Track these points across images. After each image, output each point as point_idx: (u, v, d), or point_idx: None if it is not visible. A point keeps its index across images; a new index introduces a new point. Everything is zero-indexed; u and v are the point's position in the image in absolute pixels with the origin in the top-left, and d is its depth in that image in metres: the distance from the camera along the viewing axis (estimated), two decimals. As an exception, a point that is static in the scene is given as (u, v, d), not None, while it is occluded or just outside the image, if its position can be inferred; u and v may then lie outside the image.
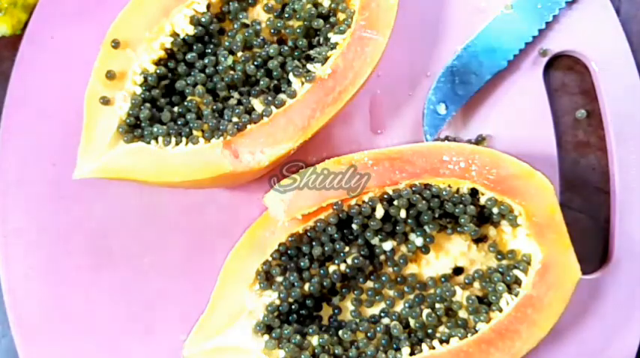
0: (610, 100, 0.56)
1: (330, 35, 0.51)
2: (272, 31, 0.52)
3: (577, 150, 0.57)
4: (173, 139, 0.49)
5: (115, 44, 0.49)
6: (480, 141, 0.55)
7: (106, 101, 0.49)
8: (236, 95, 0.51)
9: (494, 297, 0.49)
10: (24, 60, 0.54)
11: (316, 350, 0.48)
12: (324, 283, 0.50)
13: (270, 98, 0.49)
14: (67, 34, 0.54)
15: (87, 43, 0.52)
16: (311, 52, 0.51)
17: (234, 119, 0.49)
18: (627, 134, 0.55)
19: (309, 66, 0.50)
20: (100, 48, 0.50)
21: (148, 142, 0.49)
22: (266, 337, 0.49)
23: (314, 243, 0.49)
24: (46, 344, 0.51)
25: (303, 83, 0.49)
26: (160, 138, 0.49)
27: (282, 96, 0.49)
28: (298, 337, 0.48)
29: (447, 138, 0.55)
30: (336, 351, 0.49)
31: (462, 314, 0.50)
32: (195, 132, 0.49)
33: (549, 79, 0.57)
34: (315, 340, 0.49)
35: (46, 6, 0.55)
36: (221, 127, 0.49)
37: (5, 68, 0.55)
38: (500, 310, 0.49)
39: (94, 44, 0.50)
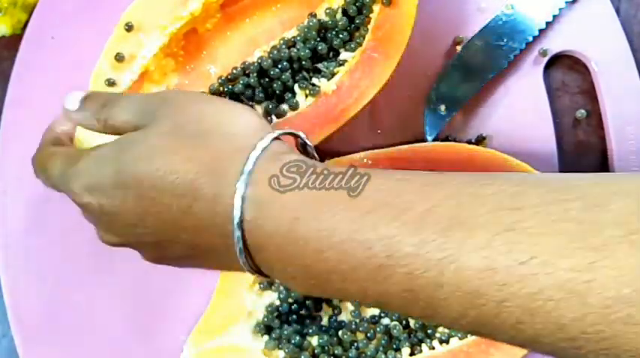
0: (610, 100, 0.56)
1: (341, 51, 0.50)
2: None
3: (577, 150, 0.57)
4: None
5: (129, 27, 0.49)
6: (480, 141, 0.55)
7: (111, 83, 0.48)
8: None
9: (494, 297, 0.49)
10: (24, 60, 0.54)
11: (316, 351, 0.49)
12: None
13: (271, 106, 0.49)
14: (67, 34, 0.54)
15: (87, 43, 0.52)
16: (319, 66, 0.49)
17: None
18: (627, 134, 0.55)
19: (314, 80, 0.49)
20: (99, 48, 0.49)
21: None
22: (266, 337, 0.49)
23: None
24: (46, 344, 0.51)
25: (307, 96, 0.49)
26: None
27: (283, 106, 0.49)
28: (298, 337, 0.48)
29: (447, 138, 0.55)
30: (336, 352, 0.49)
31: (462, 314, 0.50)
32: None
33: (549, 79, 0.57)
34: (314, 340, 0.49)
35: (46, 6, 0.55)
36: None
37: (5, 68, 0.55)
38: (500, 310, 0.49)
39: (94, 44, 0.50)
